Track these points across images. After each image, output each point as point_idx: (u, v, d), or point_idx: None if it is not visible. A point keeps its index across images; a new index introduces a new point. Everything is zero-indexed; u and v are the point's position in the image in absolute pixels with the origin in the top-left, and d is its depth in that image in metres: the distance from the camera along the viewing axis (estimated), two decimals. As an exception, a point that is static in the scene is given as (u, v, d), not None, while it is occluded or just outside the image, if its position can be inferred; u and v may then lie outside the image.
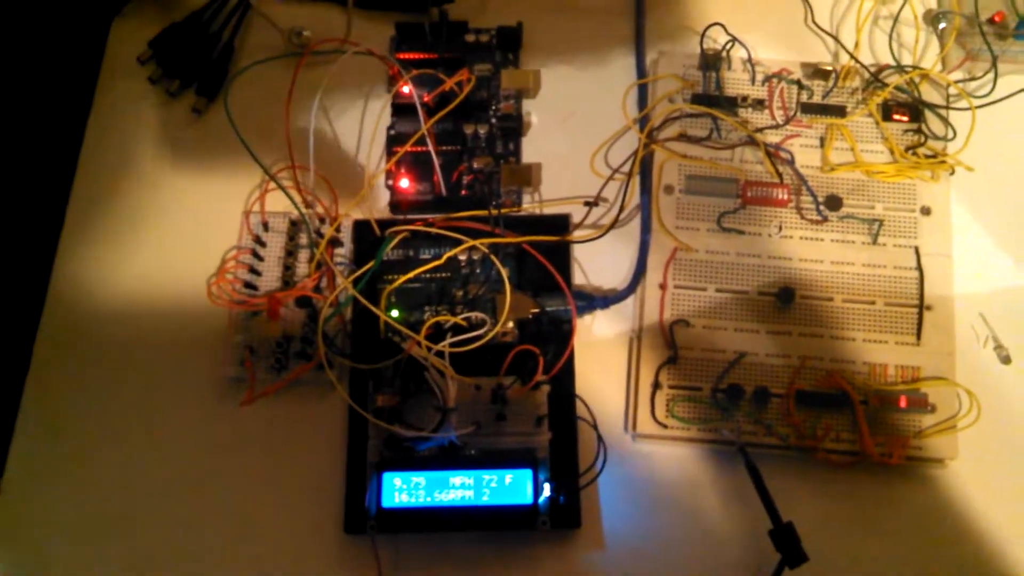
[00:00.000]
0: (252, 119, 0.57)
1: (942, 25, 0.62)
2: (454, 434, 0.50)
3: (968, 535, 0.52)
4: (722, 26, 0.60)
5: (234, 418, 0.54)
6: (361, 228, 0.56)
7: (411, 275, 0.54)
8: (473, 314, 0.53)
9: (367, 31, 0.63)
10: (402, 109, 0.58)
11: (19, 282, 0.58)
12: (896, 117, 0.59)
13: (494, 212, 0.55)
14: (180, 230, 0.58)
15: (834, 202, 0.57)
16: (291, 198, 0.55)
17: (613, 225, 0.55)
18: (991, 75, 0.59)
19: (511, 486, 0.50)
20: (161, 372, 0.55)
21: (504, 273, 0.53)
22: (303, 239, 0.56)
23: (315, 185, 0.58)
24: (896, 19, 0.62)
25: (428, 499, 0.50)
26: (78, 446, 0.54)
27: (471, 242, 0.53)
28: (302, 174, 0.57)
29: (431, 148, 0.56)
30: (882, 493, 0.52)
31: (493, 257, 0.53)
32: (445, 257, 0.54)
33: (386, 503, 0.50)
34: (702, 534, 0.52)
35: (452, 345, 0.51)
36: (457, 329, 0.52)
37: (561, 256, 0.55)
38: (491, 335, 0.52)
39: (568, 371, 0.53)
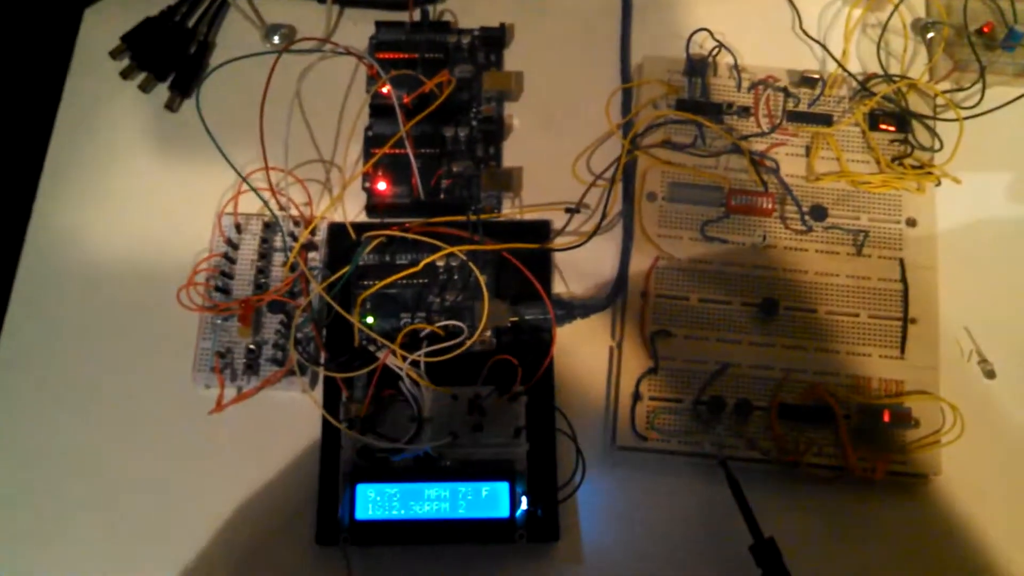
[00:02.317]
0: (227, 117, 0.55)
1: (930, 35, 0.61)
2: (429, 445, 0.49)
3: (951, 551, 0.51)
4: (708, 31, 0.59)
5: (204, 425, 0.52)
6: (336, 232, 0.55)
7: (387, 281, 0.52)
8: (450, 322, 0.52)
9: (347, 29, 0.62)
10: (381, 110, 0.57)
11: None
12: (883, 127, 0.58)
13: (473, 218, 0.54)
14: (150, 231, 0.57)
15: (819, 212, 0.56)
16: (264, 200, 0.54)
17: (595, 232, 0.54)
18: (979, 86, 0.58)
19: (488, 499, 0.49)
20: (129, 377, 0.54)
21: (482, 280, 0.52)
22: (277, 242, 0.55)
23: (290, 187, 0.56)
24: (884, 28, 0.62)
25: (402, 511, 0.49)
26: (40, 453, 0.52)
27: (449, 249, 0.52)
28: (276, 175, 0.56)
29: (410, 151, 0.54)
30: (865, 508, 0.52)
31: (471, 264, 0.52)
32: (422, 263, 0.52)
33: (359, 515, 0.49)
34: (682, 548, 0.51)
35: (428, 354, 0.50)
36: (433, 337, 0.51)
37: (541, 263, 0.54)
38: (468, 344, 0.51)
39: (547, 381, 0.52)
